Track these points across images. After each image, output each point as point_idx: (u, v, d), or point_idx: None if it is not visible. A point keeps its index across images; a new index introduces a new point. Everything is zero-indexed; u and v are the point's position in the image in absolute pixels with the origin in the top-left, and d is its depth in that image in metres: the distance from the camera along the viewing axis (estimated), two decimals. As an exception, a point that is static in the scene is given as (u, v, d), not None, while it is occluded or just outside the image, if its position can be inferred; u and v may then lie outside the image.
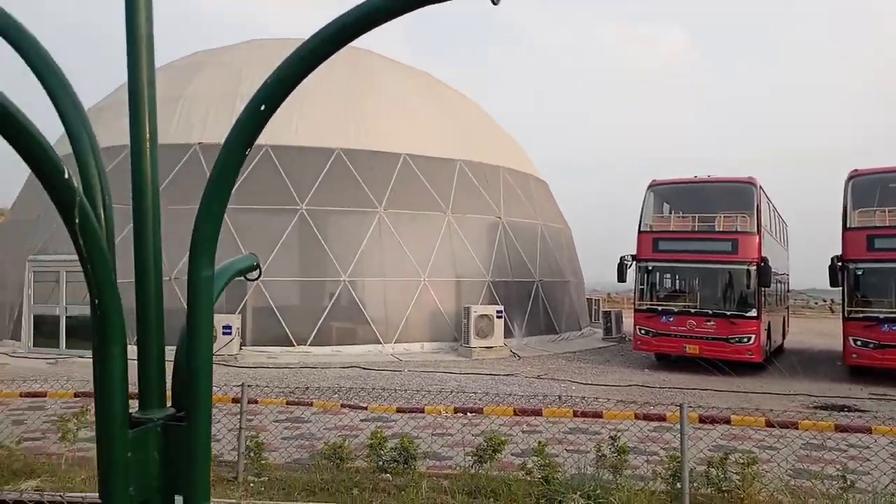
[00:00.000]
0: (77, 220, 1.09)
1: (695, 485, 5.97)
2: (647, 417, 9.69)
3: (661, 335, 16.41)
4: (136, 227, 1.32)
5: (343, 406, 10.52)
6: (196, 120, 18.02)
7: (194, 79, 20.04)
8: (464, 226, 19.78)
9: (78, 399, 10.73)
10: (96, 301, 1.16)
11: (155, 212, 1.32)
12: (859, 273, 15.04)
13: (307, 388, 11.43)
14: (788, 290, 23.69)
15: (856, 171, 15.67)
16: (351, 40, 1.20)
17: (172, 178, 16.36)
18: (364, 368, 15.21)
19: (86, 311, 13.57)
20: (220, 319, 15.73)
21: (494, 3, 1.16)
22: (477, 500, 5.75)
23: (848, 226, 15.19)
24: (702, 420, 8.47)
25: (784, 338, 21.31)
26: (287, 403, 10.54)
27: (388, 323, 18.09)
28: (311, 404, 10.58)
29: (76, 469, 6.24)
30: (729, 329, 15.57)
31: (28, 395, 10.63)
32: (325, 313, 17.65)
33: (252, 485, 6.13)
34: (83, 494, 5.15)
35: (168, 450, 1.29)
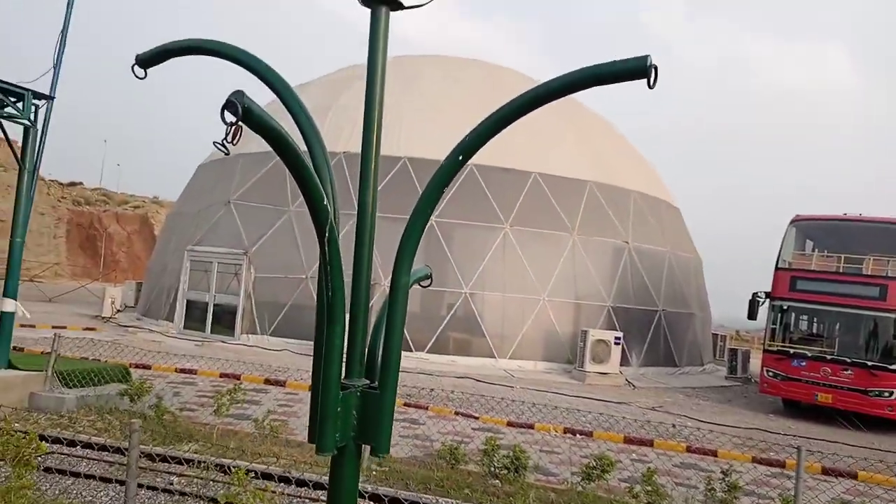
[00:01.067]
0: (326, 234, 1.51)
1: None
2: (763, 462, 9.36)
3: (791, 380, 15.55)
4: (358, 234, 1.74)
5: (456, 413, 10.96)
6: (343, 130, 19.21)
7: (345, 91, 21.35)
8: (589, 248, 19.73)
9: (222, 379, 11.93)
10: (330, 294, 1.59)
11: (372, 222, 1.74)
12: None
13: (431, 390, 11.96)
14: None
15: None
16: (530, 111, 1.55)
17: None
18: (477, 380, 15.58)
19: (230, 300, 14.92)
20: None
21: (651, 87, 1.47)
22: (583, 516, 5.92)
23: None
24: (825, 471, 8.09)
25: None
26: (404, 405, 11.13)
27: (503, 338, 18.39)
28: (426, 408, 11.11)
29: (226, 439, 7.06)
30: (869, 380, 14.52)
31: (182, 370, 11.93)
32: (444, 323, 18.23)
33: (374, 473, 6.66)
34: (238, 462, 5.86)
35: (362, 410, 1.70)
